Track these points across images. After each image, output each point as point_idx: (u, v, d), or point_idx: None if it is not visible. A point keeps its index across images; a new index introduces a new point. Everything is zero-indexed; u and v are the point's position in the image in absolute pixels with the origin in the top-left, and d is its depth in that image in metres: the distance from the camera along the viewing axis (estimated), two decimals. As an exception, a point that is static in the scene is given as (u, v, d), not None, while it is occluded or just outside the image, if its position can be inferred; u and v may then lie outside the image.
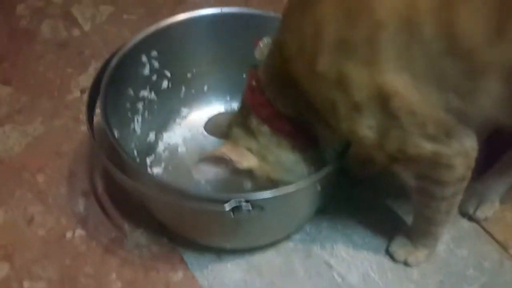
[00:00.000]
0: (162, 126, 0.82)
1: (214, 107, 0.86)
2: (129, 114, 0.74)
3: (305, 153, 0.57)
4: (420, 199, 0.58)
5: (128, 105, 0.73)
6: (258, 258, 0.67)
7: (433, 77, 0.44)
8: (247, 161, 0.56)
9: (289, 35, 0.51)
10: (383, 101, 0.46)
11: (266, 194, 0.53)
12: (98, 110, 0.64)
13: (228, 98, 0.87)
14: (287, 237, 0.69)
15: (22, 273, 0.67)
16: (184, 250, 0.68)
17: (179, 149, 0.81)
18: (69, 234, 0.71)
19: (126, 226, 0.72)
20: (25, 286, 0.66)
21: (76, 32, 1.04)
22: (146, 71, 0.75)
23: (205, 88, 0.85)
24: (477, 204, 0.69)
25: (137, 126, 0.76)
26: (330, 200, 0.68)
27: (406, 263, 0.66)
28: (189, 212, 0.58)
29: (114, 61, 0.67)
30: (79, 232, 0.71)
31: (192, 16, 0.75)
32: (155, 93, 0.78)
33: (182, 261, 0.67)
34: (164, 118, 0.82)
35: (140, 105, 0.76)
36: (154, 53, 0.74)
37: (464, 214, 0.70)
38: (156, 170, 0.78)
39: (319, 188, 0.59)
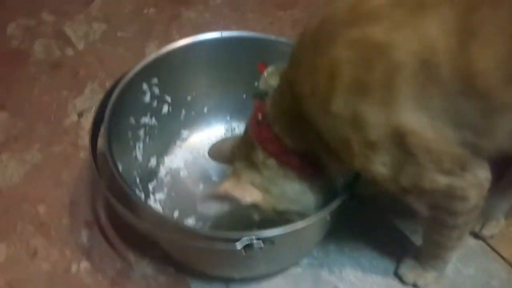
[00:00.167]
0: (163, 150, 0.81)
1: (215, 128, 0.86)
2: (131, 143, 0.73)
3: (312, 182, 0.57)
4: (432, 226, 0.58)
5: (130, 134, 0.72)
6: (266, 285, 0.67)
7: (449, 115, 0.45)
8: (250, 195, 0.56)
9: (301, 74, 0.50)
10: (399, 140, 0.46)
11: (278, 231, 0.53)
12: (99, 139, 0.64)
13: (228, 118, 0.86)
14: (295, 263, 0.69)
15: (28, 310, 0.66)
16: (192, 280, 0.68)
17: (181, 173, 0.80)
18: (74, 267, 0.70)
19: (132, 257, 0.71)
20: (31, 323, 0.65)
21: (69, 51, 1.02)
22: (147, 98, 0.74)
23: (205, 109, 0.84)
24: (483, 222, 0.70)
25: (138, 153, 0.75)
26: (337, 223, 0.68)
27: (415, 286, 0.66)
28: (198, 248, 0.58)
29: (115, 93, 0.66)
30: (84, 264, 0.70)
31: (193, 41, 0.74)
32: (155, 118, 0.77)
33: (190, 291, 0.67)
34: (164, 142, 0.81)
35: (141, 132, 0.75)
36: (154, 80, 0.73)
37: (470, 232, 0.71)
38: (159, 196, 0.77)
39: (329, 218, 0.58)
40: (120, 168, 0.63)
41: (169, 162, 0.81)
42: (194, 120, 0.83)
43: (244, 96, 0.82)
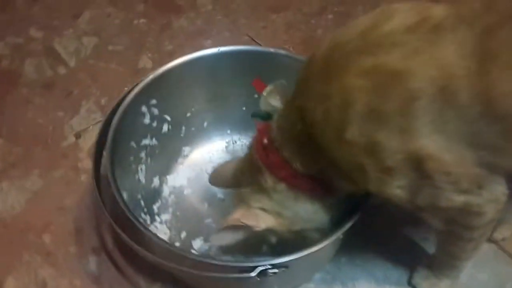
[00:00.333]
0: (165, 169, 0.80)
1: (216, 142, 0.85)
2: (133, 166, 0.72)
3: (325, 201, 0.56)
4: (447, 239, 0.58)
5: (131, 158, 0.71)
6: (281, 304, 0.66)
7: (467, 137, 0.44)
8: (264, 222, 0.55)
9: (311, 102, 0.49)
10: (417, 165, 0.46)
11: (292, 256, 0.52)
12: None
13: (228, 132, 0.85)
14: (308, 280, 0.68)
15: None
16: (205, 303, 0.67)
17: (185, 191, 0.79)
18: (85, 297, 0.69)
19: (142, 282, 0.70)
20: None
21: (61, 69, 1.00)
22: (147, 120, 0.73)
23: (205, 124, 0.83)
24: (494, 225, 0.70)
25: (141, 175, 0.74)
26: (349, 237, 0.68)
27: (429, 295, 0.66)
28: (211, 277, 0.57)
29: (115, 119, 0.65)
30: (95, 293, 0.69)
31: (190, 58, 0.73)
32: (156, 138, 0.76)
33: (205, 314, 0.67)
34: (166, 160, 0.80)
35: (143, 154, 0.74)
36: (153, 101, 0.72)
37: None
38: (165, 217, 0.76)
39: (342, 237, 0.58)
40: (124, 195, 0.62)
41: (172, 181, 0.80)
42: (194, 136, 0.82)
43: (244, 108, 0.81)
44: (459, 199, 0.48)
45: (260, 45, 1.02)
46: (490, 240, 0.70)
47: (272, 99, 0.58)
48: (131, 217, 0.58)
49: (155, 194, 0.77)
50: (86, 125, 0.90)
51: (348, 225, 0.55)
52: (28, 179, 0.82)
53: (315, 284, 0.68)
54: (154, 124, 0.74)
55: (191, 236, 0.72)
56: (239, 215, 0.55)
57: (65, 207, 0.78)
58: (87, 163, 0.84)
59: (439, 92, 0.43)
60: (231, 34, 1.08)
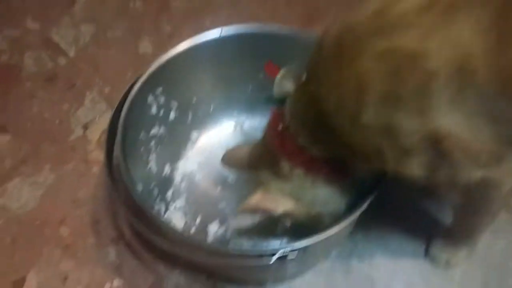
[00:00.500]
0: (175, 155, 0.80)
1: (223, 125, 0.84)
2: (144, 157, 0.72)
3: (341, 184, 0.57)
4: (464, 211, 0.58)
5: (142, 149, 0.71)
6: (300, 282, 0.68)
7: (485, 114, 0.44)
8: (283, 206, 0.55)
9: (325, 87, 0.49)
10: (435, 144, 0.45)
11: (310, 240, 0.53)
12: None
13: (235, 113, 0.85)
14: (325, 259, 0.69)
15: (69, 335, 0.67)
16: (225, 285, 0.69)
17: (196, 177, 0.79)
18: (107, 286, 0.70)
19: (162, 268, 0.71)
20: None
21: (62, 60, 0.99)
22: (154, 109, 0.72)
23: (212, 108, 0.82)
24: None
25: (153, 164, 0.74)
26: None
27: (447, 265, 0.66)
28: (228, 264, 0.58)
29: (123, 113, 0.64)
30: (117, 282, 0.71)
31: (193, 44, 0.72)
32: (164, 126, 0.76)
33: (225, 297, 0.68)
34: (176, 147, 0.80)
35: (152, 143, 0.74)
36: (159, 90, 0.71)
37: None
38: (179, 204, 0.76)
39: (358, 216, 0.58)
40: (139, 186, 0.62)
41: (183, 167, 0.80)
42: (202, 121, 0.82)
43: (250, 89, 0.81)
44: (477, 174, 0.48)
45: (261, 21, 1.00)
46: (507, 208, 0.70)
47: (285, 84, 0.57)
48: (145, 208, 0.58)
49: (168, 182, 0.77)
50: (92, 116, 0.89)
51: (365, 205, 0.55)
52: (40, 174, 0.82)
53: (332, 261, 0.69)
54: (161, 112, 0.74)
55: (206, 220, 0.73)
56: (258, 198, 0.56)
57: (79, 199, 0.79)
58: (97, 155, 0.84)
59: (456, 72, 0.42)
60: (229, 11, 1.05)
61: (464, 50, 0.42)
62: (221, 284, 0.69)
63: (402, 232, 0.70)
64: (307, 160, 0.54)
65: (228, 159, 0.67)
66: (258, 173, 0.58)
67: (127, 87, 0.69)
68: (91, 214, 0.77)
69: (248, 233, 0.68)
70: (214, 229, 0.72)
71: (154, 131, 0.73)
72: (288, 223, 0.59)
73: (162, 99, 0.73)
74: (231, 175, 0.78)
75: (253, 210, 0.55)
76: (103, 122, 0.88)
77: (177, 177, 0.79)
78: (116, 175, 0.64)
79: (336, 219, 0.56)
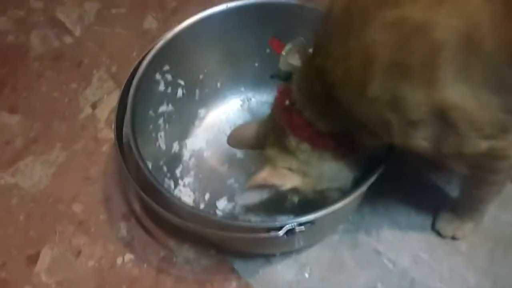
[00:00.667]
0: (184, 133, 0.81)
1: (231, 102, 0.85)
2: (153, 134, 0.73)
3: (348, 158, 0.57)
4: (471, 182, 0.58)
5: (151, 126, 0.72)
6: (306, 256, 0.69)
7: (492, 85, 0.44)
8: (290, 181, 0.56)
9: (331, 60, 0.49)
10: (441, 115, 0.45)
11: (317, 213, 0.54)
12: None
13: (242, 89, 0.85)
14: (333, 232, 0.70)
15: (84, 307, 0.69)
16: (233, 259, 0.70)
17: (205, 153, 0.80)
18: (119, 260, 0.72)
19: (172, 243, 0.73)
20: (90, 319, 0.68)
21: (68, 39, 0.99)
22: (161, 87, 0.73)
23: (218, 84, 0.83)
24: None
25: (161, 142, 0.75)
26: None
27: (453, 237, 0.67)
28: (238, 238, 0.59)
29: (131, 91, 0.65)
30: (129, 256, 0.72)
31: (198, 18, 0.72)
32: (172, 104, 0.76)
33: (234, 270, 0.69)
34: (183, 125, 0.81)
35: (161, 121, 0.75)
36: (166, 68, 0.72)
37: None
38: (188, 180, 0.77)
39: (365, 190, 0.59)
40: (149, 164, 0.63)
41: (191, 144, 0.81)
42: (209, 98, 0.82)
43: (256, 64, 0.81)
44: (484, 144, 0.48)
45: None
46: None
47: (291, 59, 0.57)
48: (156, 184, 0.59)
49: (176, 159, 0.78)
50: (100, 95, 0.90)
51: (372, 179, 0.56)
52: (51, 153, 0.83)
53: (340, 235, 0.70)
54: (169, 90, 0.74)
55: (215, 197, 0.74)
56: (265, 174, 0.56)
57: (91, 177, 0.80)
58: (106, 133, 0.85)
59: (463, 41, 0.42)
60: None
61: (471, 19, 0.41)
62: (229, 258, 0.70)
63: (409, 206, 0.71)
64: (314, 135, 0.54)
65: (234, 139, 0.68)
66: (265, 151, 0.59)
67: (133, 65, 0.69)
68: (102, 191, 0.79)
69: (256, 210, 0.69)
70: (222, 205, 0.73)
71: (162, 108, 0.74)
72: (295, 199, 0.60)
73: (169, 77, 0.73)
74: (239, 153, 0.78)
75: (261, 186, 0.56)
76: (111, 101, 0.88)
77: (186, 154, 0.80)
78: (126, 152, 0.66)
79: (343, 194, 0.57)
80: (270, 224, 0.55)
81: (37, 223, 0.76)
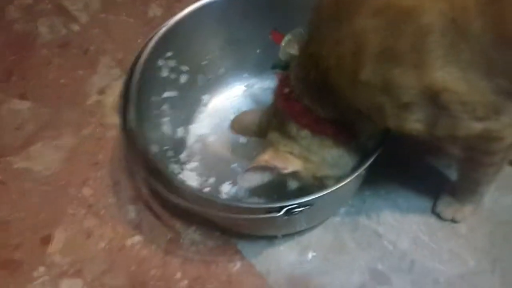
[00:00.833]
0: (188, 119, 0.82)
1: (234, 88, 0.86)
2: (158, 120, 0.75)
3: (348, 145, 0.58)
4: (467, 165, 0.59)
5: (155, 112, 0.73)
6: (308, 238, 0.71)
7: (481, 67, 0.45)
8: (292, 165, 0.57)
9: (324, 47, 0.50)
10: (432, 98, 0.47)
11: (315, 195, 0.55)
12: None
13: (245, 76, 0.86)
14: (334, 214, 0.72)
15: (95, 286, 0.71)
16: (238, 241, 0.72)
17: (209, 139, 0.82)
18: (128, 242, 0.75)
19: (179, 226, 0.75)
20: (101, 297, 0.71)
21: (74, 27, 1.01)
22: (165, 73, 0.74)
23: (221, 71, 0.84)
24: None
25: (166, 127, 0.77)
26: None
27: (453, 220, 0.68)
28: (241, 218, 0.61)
29: (135, 77, 0.66)
30: (137, 238, 0.75)
31: (201, 5, 0.73)
32: (176, 90, 0.78)
33: (238, 252, 0.71)
34: (188, 110, 0.82)
35: (165, 107, 0.76)
36: (168, 54, 0.73)
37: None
38: (193, 165, 0.79)
39: (364, 173, 0.60)
40: (154, 148, 0.65)
41: (195, 129, 0.82)
42: (212, 84, 0.83)
43: (258, 51, 0.81)
44: (477, 126, 0.49)
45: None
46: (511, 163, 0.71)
47: (290, 49, 0.58)
48: (161, 168, 0.61)
49: (181, 144, 0.80)
50: (107, 81, 0.92)
51: (369, 162, 0.57)
52: (61, 138, 0.86)
53: (341, 218, 0.72)
54: (172, 76, 0.76)
55: (219, 181, 0.76)
56: (268, 156, 0.57)
57: (99, 162, 0.83)
58: (113, 119, 0.87)
59: (450, 25, 0.43)
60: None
61: (457, 4, 0.42)
62: (234, 239, 0.72)
63: (410, 189, 0.72)
64: (313, 122, 0.55)
65: (236, 126, 0.69)
66: (267, 137, 0.60)
67: (138, 52, 0.71)
68: (110, 175, 0.81)
69: (258, 194, 0.71)
70: (226, 189, 0.75)
71: (166, 94, 0.76)
72: (294, 185, 0.61)
73: (172, 63, 0.74)
74: (242, 137, 0.80)
75: (263, 168, 0.57)
76: (117, 87, 0.90)
77: (190, 139, 0.81)
78: (131, 137, 0.67)
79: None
80: (269, 205, 0.57)
81: (49, 206, 0.79)
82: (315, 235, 0.71)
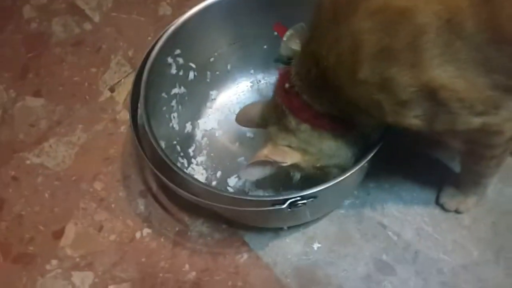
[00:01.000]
0: (196, 114, 0.84)
1: (241, 84, 0.87)
2: (166, 116, 0.77)
3: (347, 138, 0.59)
4: (469, 158, 0.60)
5: (164, 108, 0.75)
6: (313, 229, 0.72)
7: (477, 64, 0.45)
8: (291, 158, 0.59)
9: (323, 46, 0.51)
10: (430, 95, 0.47)
11: (318, 188, 0.56)
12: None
13: (252, 71, 0.87)
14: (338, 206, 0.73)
15: (106, 278, 0.74)
16: (244, 233, 0.74)
17: (217, 133, 0.84)
18: (138, 235, 0.77)
19: (187, 219, 0.77)
20: (112, 289, 0.73)
21: (87, 26, 1.03)
22: (173, 70, 0.76)
23: (229, 67, 0.85)
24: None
25: (174, 123, 0.79)
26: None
27: (457, 211, 0.69)
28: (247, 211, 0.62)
29: (145, 74, 0.68)
30: (147, 231, 0.77)
31: (208, 3, 0.74)
32: (184, 86, 0.79)
33: (244, 243, 0.73)
34: (196, 106, 0.84)
35: (173, 103, 0.78)
36: (177, 51, 0.75)
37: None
38: (200, 159, 0.81)
39: (367, 165, 0.61)
40: (162, 143, 0.67)
41: (203, 124, 0.84)
42: (220, 80, 0.85)
43: (265, 47, 0.83)
44: (476, 121, 0.50)
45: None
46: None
47: (292, 43, 0.59)
48: (169, 162, 0.63)
49: (189, 139, 0.82)
50: (118, 78, 0.94)
51: (370, 155, 0.58)
52: (73, 134, 0.88)
53: (346, 210, 0.73)
54: (181, 73, 0.77)
55: (226, 174, 0.78)
56: (267, 151, 0.59)
57: (110, 157, 0.85)
58: (124, 115, 0.89)
59: (445, 24, 0.44)
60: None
61: (451, 4, 0.43)
62: (241, 232, 0.74)
63: (414, 181, 0.73)
64: (312, 116, 0.57)
65: (241, 117, 0.71)
66: (268, 129, 0.62)
67: (148, 50, 0.73)
68: (121, 170, 0.83)
69: (265, 187, 0.73)
70: (233, 182, 0.77)
71: (175, 90, 0.77)
72: (297, 176, 0.62)
73: (180, 60, 0.76)
74: (249, 132, 0.81)
75: (263, 163, 0.59)
76: (128, 84, 0.92)
77: (198, 134, 0.83)
78: (141, 133, 0.69)
79: (344, 171, 0.59)
80: (274, 198, 0.58)
81: (61, 201, 0.81)
82: (321, 227, 0.72)
